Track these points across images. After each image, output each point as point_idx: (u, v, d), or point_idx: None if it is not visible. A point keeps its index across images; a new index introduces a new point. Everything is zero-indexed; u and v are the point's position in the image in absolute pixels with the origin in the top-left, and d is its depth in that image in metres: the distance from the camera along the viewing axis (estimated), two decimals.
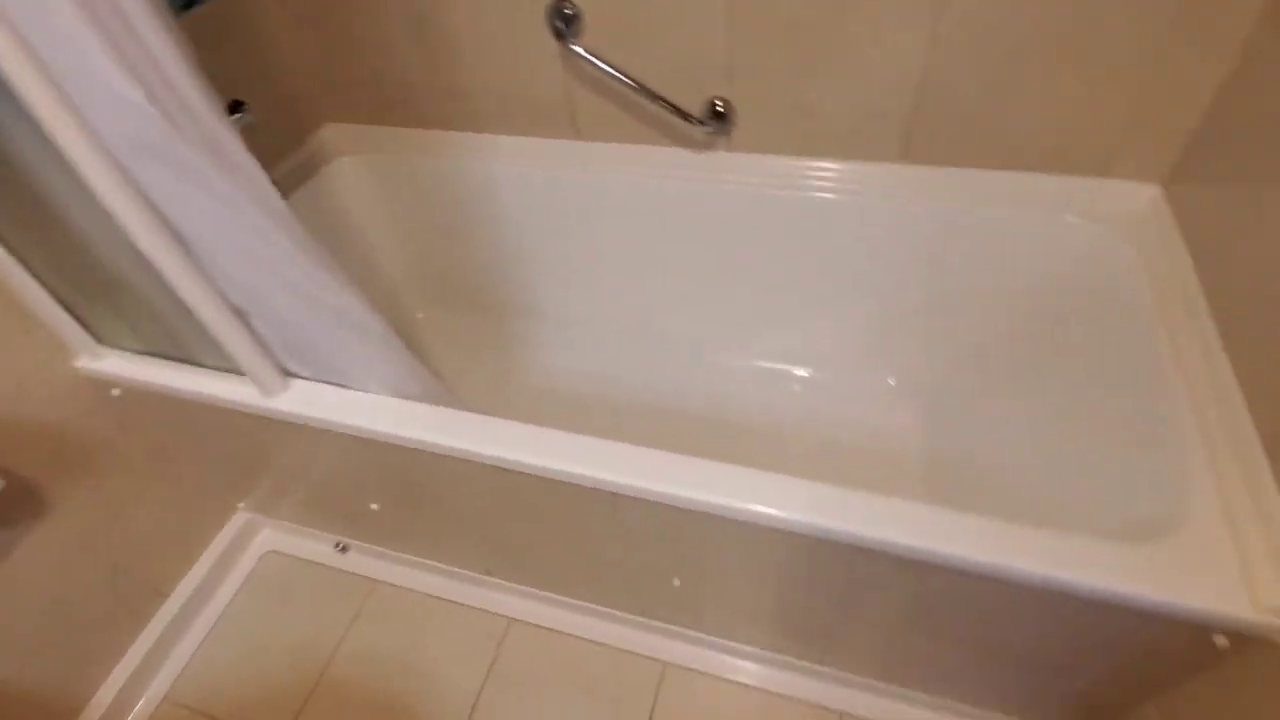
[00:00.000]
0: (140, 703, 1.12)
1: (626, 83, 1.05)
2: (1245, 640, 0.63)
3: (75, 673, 1.06)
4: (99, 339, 0.93)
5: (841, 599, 0.85)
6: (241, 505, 1.29)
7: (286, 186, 1.25)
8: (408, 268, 1.49)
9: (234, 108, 1.07)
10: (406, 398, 0.87)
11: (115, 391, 0.99)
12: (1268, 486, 0.65)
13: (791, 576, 0.83)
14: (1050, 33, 0.88)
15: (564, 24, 1.04)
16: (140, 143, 0.56)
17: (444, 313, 1.54)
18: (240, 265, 0.67)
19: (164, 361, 0.92)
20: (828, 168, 1.11)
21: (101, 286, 0.84)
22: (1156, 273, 0.91)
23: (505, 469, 0.81)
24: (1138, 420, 0.83)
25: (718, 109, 1.08)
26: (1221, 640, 0.64)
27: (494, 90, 1.19)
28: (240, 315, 0.78)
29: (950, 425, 1.20)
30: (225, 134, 0.60)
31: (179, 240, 0.67)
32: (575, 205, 1.27)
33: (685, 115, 1.07)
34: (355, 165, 1.34)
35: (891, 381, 1.29)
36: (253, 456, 1.10)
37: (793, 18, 0.95)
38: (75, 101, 0.54)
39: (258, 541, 1.31)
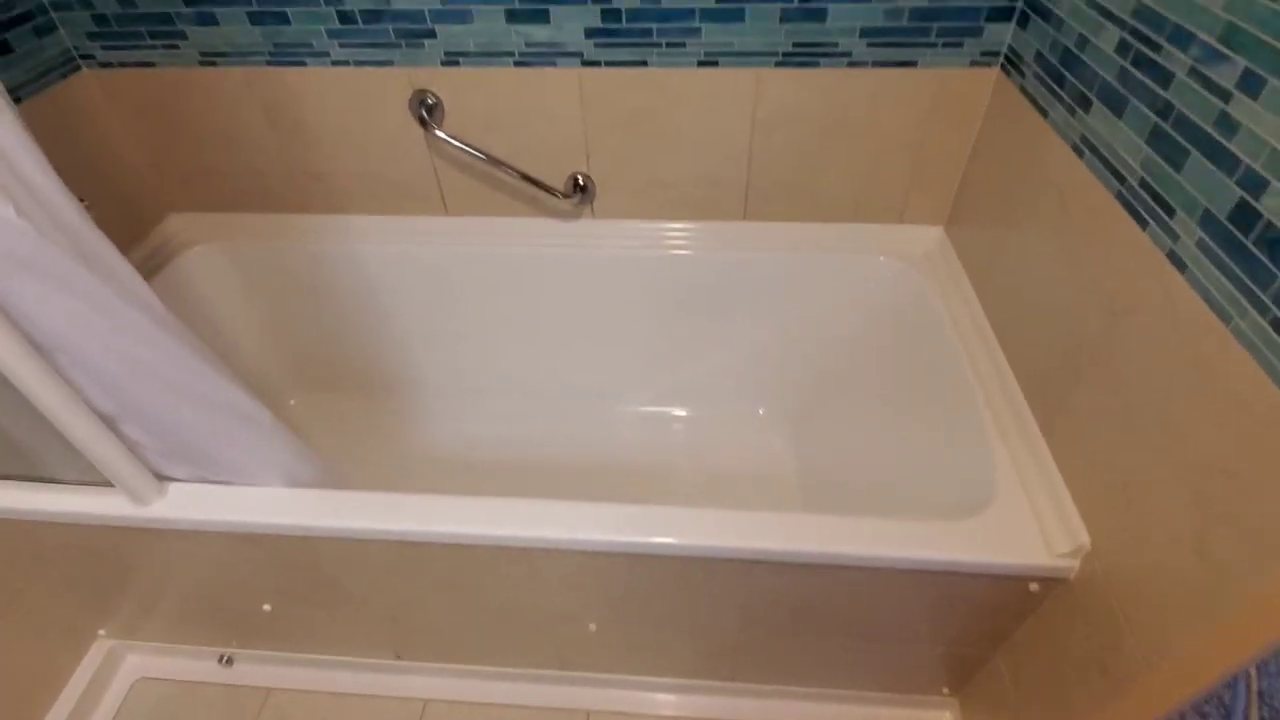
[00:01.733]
0: None
1: (492, 163, 1.13)
2: (1048, 582, 0.79)
3: None
4: None
5: (740, 613, 0.93)
6: (102, 632, 1.16)
7: None
8: (275, 354, 1.43)
9: None
10: (300, 485, 0.86)
11: None
12: (1047, 461, 0.83)
13: (695, 599, 0.91)
14: (842, 117, 1.08)
15: (427, 113, 1.10)
16: (9, 258, 0.54)
17: (319, 396, 1.50)
18: (118, 371, 0.65)
19: (14, 484, 0.84)
20: (682, 228, 1.24)
21: None
22: (946, 294, 1.12)
23: (413, 542, 0.83)
24: (951, 418, 1.01)
25: (580, 183, 1.19)
26: (1034, 586, 0.80)
27: (356, 172, 1.22)
28: (108, 422, 0.74)
29: (814, 442, 1.36)
30: (95, 239, 0.60)
31: (40, 351, 0.64)
32: (449, 278, 1.31)
33: (550, 190, 1.16)
34: (208, 254, 1.29)
35: (761, 411, 1.43)
36: (115, 575, 1.01)
37: (636, 108, 1.09)
38: None
39: (125, 669, 1.18)
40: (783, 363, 1.37)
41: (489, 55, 1.05)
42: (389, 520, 0.81)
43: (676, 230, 1.25)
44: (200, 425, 0.73)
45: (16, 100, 1.00)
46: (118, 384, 0.67)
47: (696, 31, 1.01)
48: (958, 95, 1.05)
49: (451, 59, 1.06)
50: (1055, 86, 0.85)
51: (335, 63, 1.07)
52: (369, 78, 1.08)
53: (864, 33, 1.00)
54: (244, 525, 0.82)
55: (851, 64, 1.03)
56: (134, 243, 1.25)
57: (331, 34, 1.04)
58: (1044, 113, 0.88)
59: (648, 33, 1.01)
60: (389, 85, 1.09)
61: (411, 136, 1.14)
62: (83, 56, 1.10)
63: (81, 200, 1.01)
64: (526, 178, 1.15)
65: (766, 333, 1.33)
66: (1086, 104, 0.78)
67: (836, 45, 1.01)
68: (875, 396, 1.25)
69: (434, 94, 1.10)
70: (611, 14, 1.00)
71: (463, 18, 1.01)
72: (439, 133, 1.10)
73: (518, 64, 1.05)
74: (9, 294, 0.57)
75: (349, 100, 1.11)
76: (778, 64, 1.03)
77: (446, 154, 1.17)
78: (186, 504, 0.82)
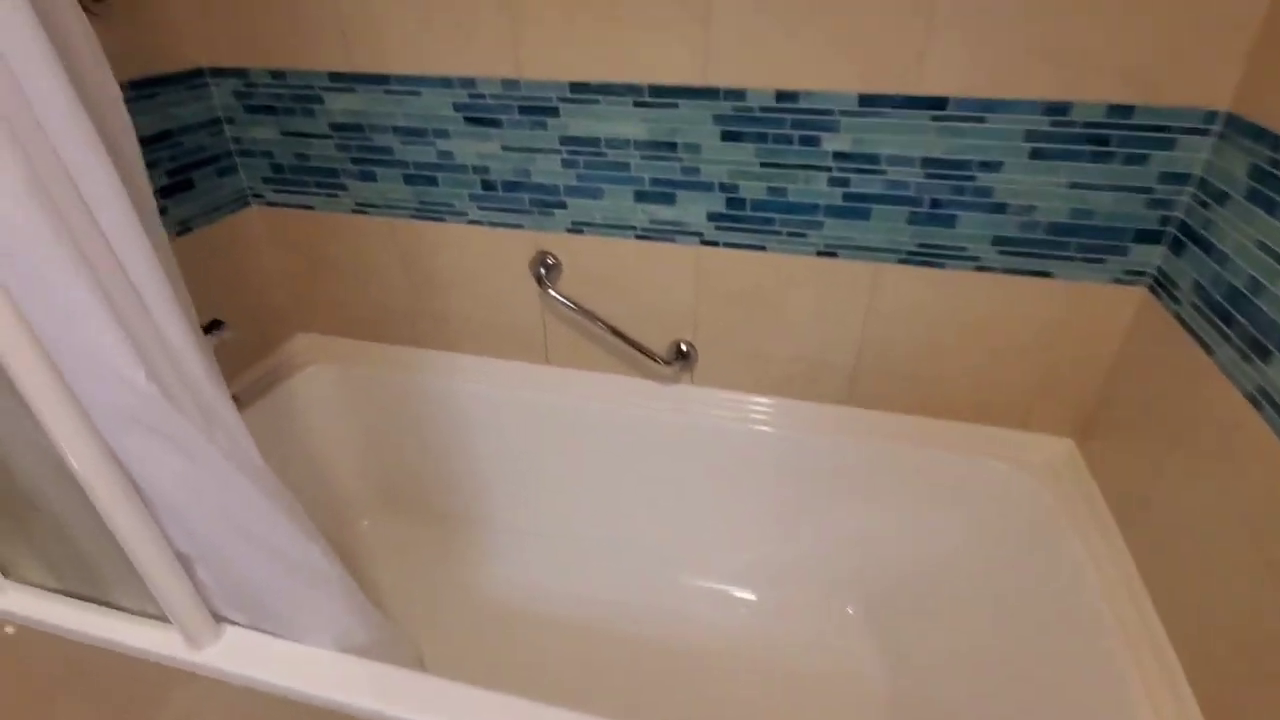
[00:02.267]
0: None
1: (599, 324, 1.15)
2: None
3: None
4: (4, 571, 0.84)
5: None
6: None
7: (254, 393, 1.26)
8: (360, 474, 1.45)
9: (212, 326, 1.09)
10: (351, 647, 0.80)
11: (9, 629, 0.87)
12: None
13: None
14: (965, 318, 1.04)
15: (545, 271, 1.15)
16: (129, 416, 0.56)
17: (393, 520, 1.49)
18: (206, 522, 0.64)
19: (74, 602, 0.83)
20: (782, 404, 1.20)
21: (15, 516, 0.78)
22: (1079, 519, 0.99)
23: None
24: (1085, 669, 0.85)
25: (682, 349, 1.18)
26: None
27: (469, 315, 1.26)
28: (183, 561, 0.73)
29: (911, 659, 1.19)
30: (219, 400, 0.61)
31: (140, 495, 0.65)
32: (539, 424, 1.31)
33: (651, 356, 1.16)
34: (323, 374, 1.35)
35: (850, 610, 1.29)
36: (147, 703, 0.97)
37: (749, 286, 1.09)
38: (68, 375, 0.54)
39: None
40: (879, 562, 1.24)
41: (613, 227, 1.09)
42: (424, 714, 0.74)
43: (775, 406, 1.20)
44: (272, 581, 0.71)
45: (186, 230, 1.11)
46: (203, 534, 0.66)
47: (819, 225, 1.01)
48: (1096, 310, 0.99)
49: (577, 228, 1.11)
50: (1221, 324, 0.78)
51: (471, 221, 1.15)
52: (498, 237, 1.15)
53: (995, 241, 0.97)
54: (280, 689, 0.77)
55: (980, 268, 0.99)
56: (261, 356, 1.33)
57: (473, 198, 1.12)
58: (1207, 348, 0.80)
59: (769, 221, 1.03)
60: (515, 245, 1.15)
61: (526, 290, 1.19)
62: (254, 195, 1.23)
63: (221, 323, 1.10)
64: (630, 342, 1.15)
65: (863, 526, 1.22)
66: (1264, 353, 0.70)
67: (965, 250, 0.98)
68: (990, 619, 1.09)
69: (555, 256, 1.14)
70: (736, 202, 1.02)
71: (594, 194, 1.07)
72: (552, 292, 1.13)
73: (638, 237, 1.09)
74: (122, 448, 0.58)
75: (476, 254, 1.18)
76: (900, 261, 1.01)
77: (556, 309, 1.20)
78: (236, 656, 0.78)
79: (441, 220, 1.16)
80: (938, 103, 0.89)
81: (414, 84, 1.04)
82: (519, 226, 1.13)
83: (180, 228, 1.10)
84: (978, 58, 0.86)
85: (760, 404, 1.20)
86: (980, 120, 0.89)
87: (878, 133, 0.93)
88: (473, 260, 1.19)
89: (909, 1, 0.84)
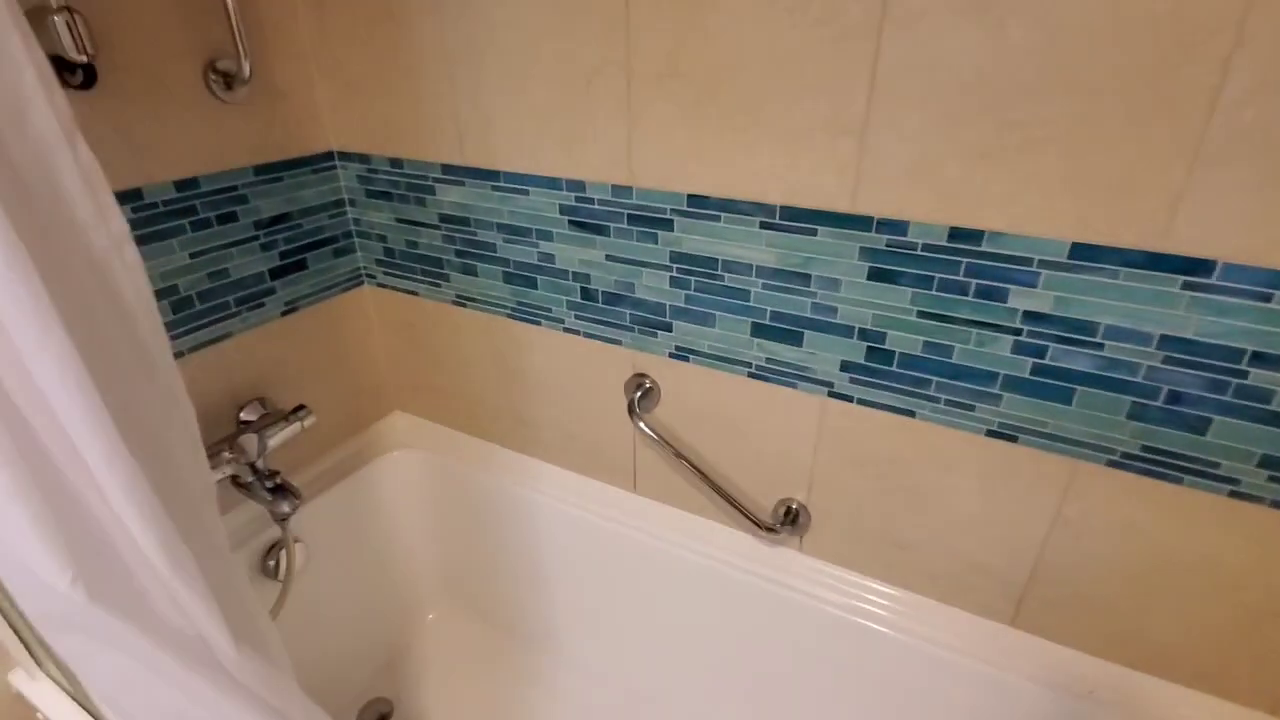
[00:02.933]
0: None
1: (693, 469, 0.97)
2: None
3: None
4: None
5: None
6: None
7: (341, 470, 1.22)
8: (432, 567, 1.37)
9: (297, 410, 1.05)
10: None
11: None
12: None
13: None
14: (1202, 554, 0.73)
15: (640, 395, 0.99)
16: (58, 618, 0.47)
17: (457, 620, 1.40)
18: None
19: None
20: (912, 602, 0.93)
21: None
22: None
23: None
24: None
25: (791, 512, 0.96)
26: None
27: (558, 426, 1.14)
28: None
29: None
30: (189, 589, 0.50)
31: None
32: (616, 556, 1.14)
33: (751, 518, 0.95)
34: (408, 459, 1.29)
35: None
36: None
37: (889, 456, 0.85)
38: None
39: None
40: None
41: (722, 360, 0.91)
42: None
43: (902, 602, 0.94)
44: None
45: (293, 309, 1.09)
46: None
47: (994, 398, 0.76)
48: None
49: (681, 354, 0.94)
50: None
51: (567, 329, 1.02)
52: (594, 350, 1.01)
53: (1265, 463, 0.66)
54: None
55: (1236, 494, 0.69)
56: (358, 431, 1.29)
57: (571, 305, 1.00)
58: None
59: (923, 383, 0.80)
60: (611, 361, 1.01)
61: (618, 409, 1.03)
62: (368, 275, 1.20)
63: (304, 408, 1.06)
64: (727, 498, 0.96)
65: None
66: None
67: (1216, 466, 0.69)
68: None
69: (652, 379, 0.99)
70: (880, 354, 0.81)
71: (704, 320, 0.90)
72: (642, 425, 0.97)
73: (752, 375, 0.90)
74: (59, 646, 0.50)
75: (570, 364, 1.05)
76: (1111, 464, 0.73)
77: (651, 440, 1.04)
78: None
79: (537, 323, 1.05)
80: (1197, 266, 0.62)
81: (522, 182, 0.95)
82: (617, 342, 0.99)
83: (287, 307, 1.09)
84: (1266, 213, 0.59)
85: (882, 594, 0.95)
86: (1263, 298, 0.61)
87: (1095, 295, 0.67)
88: (565, 369, 1.06)
89: (1164, 128, 0.60)
